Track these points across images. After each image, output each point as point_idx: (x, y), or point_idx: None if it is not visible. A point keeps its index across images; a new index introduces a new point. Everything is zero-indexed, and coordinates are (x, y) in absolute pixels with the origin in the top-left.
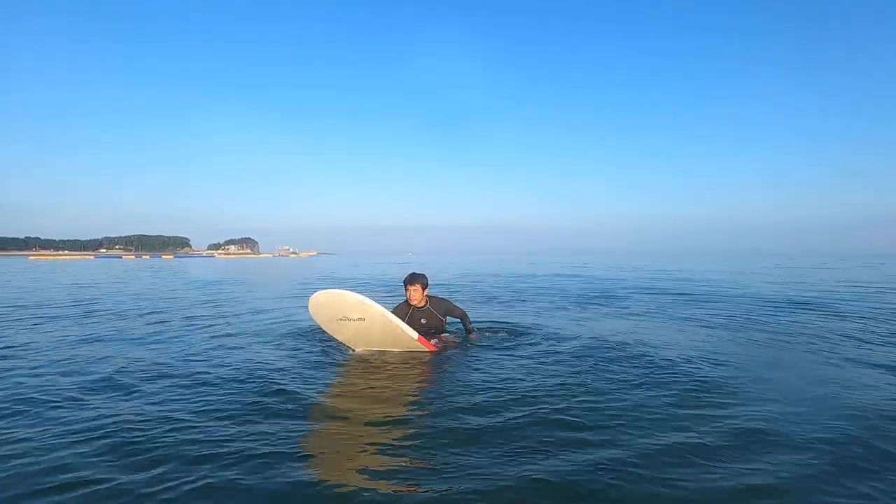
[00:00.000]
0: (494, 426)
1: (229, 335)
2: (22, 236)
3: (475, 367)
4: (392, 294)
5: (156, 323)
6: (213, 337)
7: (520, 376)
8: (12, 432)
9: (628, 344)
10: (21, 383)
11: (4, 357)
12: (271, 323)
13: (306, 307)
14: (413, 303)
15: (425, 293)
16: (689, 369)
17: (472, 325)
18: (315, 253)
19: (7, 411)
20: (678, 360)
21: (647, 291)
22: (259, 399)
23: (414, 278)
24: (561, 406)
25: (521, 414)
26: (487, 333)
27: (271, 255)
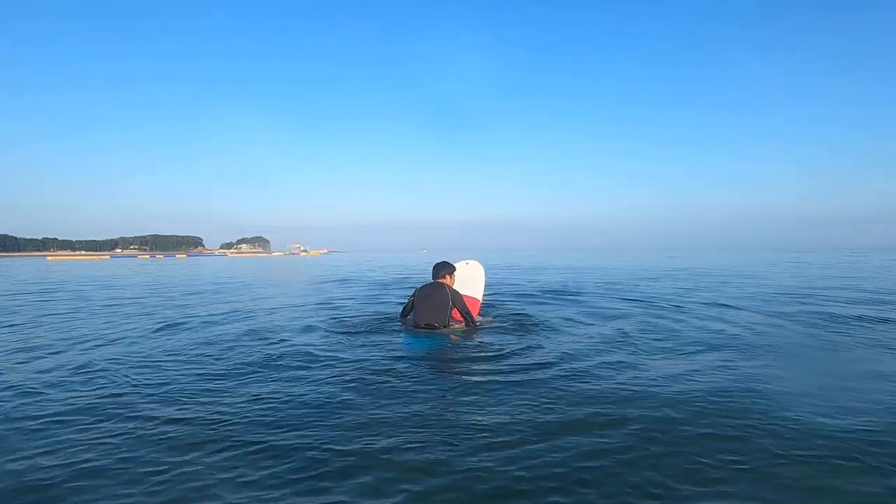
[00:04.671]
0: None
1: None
2: (40, 237)
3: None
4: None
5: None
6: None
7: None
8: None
9: None
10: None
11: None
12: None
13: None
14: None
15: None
16: None
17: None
18: (326, 251)
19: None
20: None
21: None
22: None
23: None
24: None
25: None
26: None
27: (282, 254)
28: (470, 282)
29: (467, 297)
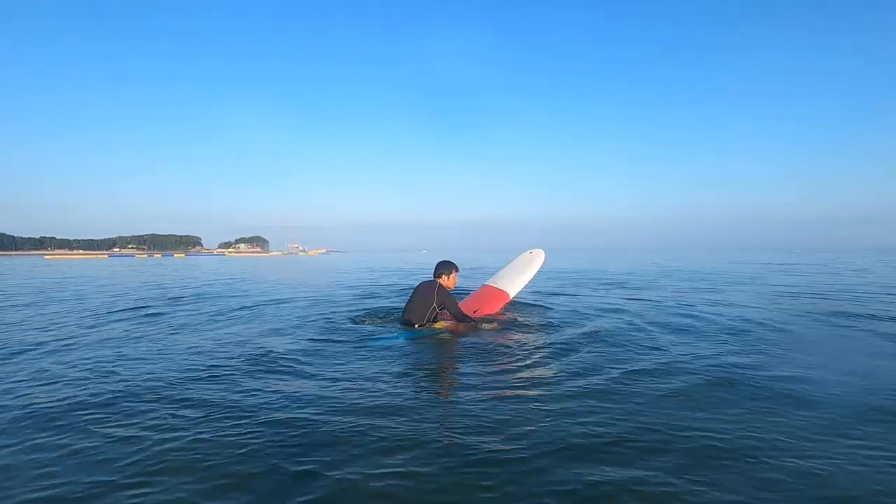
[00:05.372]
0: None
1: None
2: (38, 236)
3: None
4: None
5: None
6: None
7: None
8: None
9: None
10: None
11: None
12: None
13: None
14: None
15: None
16: None
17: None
18: (324, 251)
19: None
20: None
21: None
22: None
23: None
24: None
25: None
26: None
27: (280, 254)
28: (510, 272)
29: (495, 289)
